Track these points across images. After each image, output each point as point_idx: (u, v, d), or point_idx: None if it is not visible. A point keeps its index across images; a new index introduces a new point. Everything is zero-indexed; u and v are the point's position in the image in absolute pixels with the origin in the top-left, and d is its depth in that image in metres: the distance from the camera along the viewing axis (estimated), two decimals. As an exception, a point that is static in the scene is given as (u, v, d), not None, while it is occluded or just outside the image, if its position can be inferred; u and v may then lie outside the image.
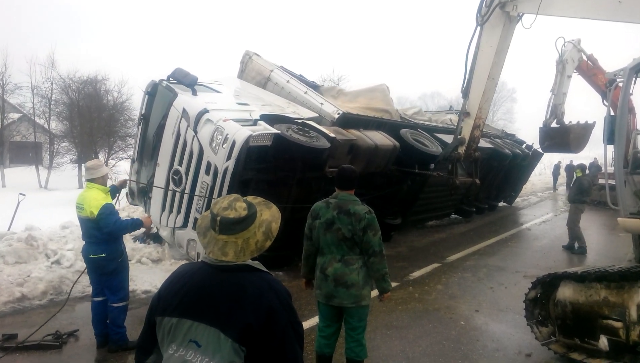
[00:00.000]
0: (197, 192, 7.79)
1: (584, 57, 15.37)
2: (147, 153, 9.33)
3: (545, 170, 38.92)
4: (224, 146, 7.39)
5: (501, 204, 18.93)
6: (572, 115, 14.91)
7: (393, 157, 10.25)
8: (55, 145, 26.03)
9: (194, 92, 8.54)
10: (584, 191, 11.23)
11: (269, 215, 2.04)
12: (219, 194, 7.47)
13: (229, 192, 7.40)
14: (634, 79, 5.31)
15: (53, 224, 10.08)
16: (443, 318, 6.52)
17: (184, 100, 8.25)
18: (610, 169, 6.22)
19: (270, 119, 8.31)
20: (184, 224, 8.18)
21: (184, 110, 8.04)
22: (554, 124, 13.78)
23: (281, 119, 8.57)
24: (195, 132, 7.83)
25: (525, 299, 5.56)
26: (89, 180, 5.46)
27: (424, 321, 6.38)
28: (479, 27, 9.53)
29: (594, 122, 14.00)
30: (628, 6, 6.66)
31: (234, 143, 7.25)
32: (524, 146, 18.64)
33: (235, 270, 1.92)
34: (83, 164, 27.15)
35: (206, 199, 7.67)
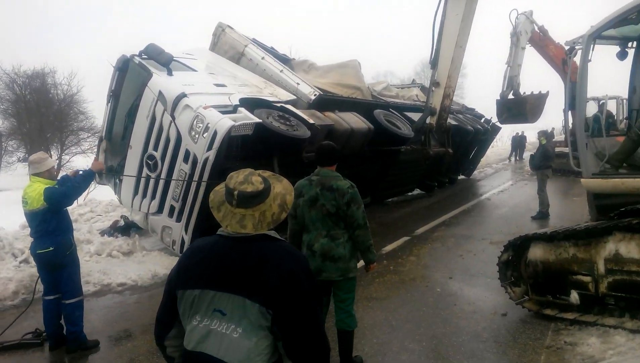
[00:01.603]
0: (175, 182, 7.69)
1: (536, 29, 15.90)
2: (118, 132, 9.09)
3: (497, 143, 40.12)
4: (204, 135, 7.25)
5: (460, 177, 19.46)
6: (526, 86, 15.46)
7: (367, 139, 10.40)
8: (2, 143, 24.86)
9: (170, 72, 8.30)
10: (549, 157, 11.63)
11: (282, 188, 2.09)
12: (198, 184, 7.40)
13: (209, 181, 7.35)
14: (592, 45, 5.54)
15: (11, 225, 9.72)
16: (419, 287, 6.73)
17: (160, 81, 8.00)
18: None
19: (250, 103, 8.23)
20: (159, 211, 8.08)
21: (160, 93, 7.81)
22: (510, 96, 14.26)
23: (261, 104, 8.51)
24: (173, 117, 7.64)
25: (498, 262, 5.78)
26: (34, 174, 5.16)
27: (401, 291, 6.58)
28: None
29: (548, 92, 14.58)
30: None
31: (215, 133, 7.13)
32: (482, 120, 19.15)
33: (254, 240, 1.97)
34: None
35: (184, 187, 7.57)
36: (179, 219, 7.85)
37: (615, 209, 5.16)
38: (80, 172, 5.53)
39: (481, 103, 20.66)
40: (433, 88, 10.46)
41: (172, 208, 7.93)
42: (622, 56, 6.27)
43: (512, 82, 14.25)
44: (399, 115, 12.03)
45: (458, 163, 18.14)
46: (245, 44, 10.96)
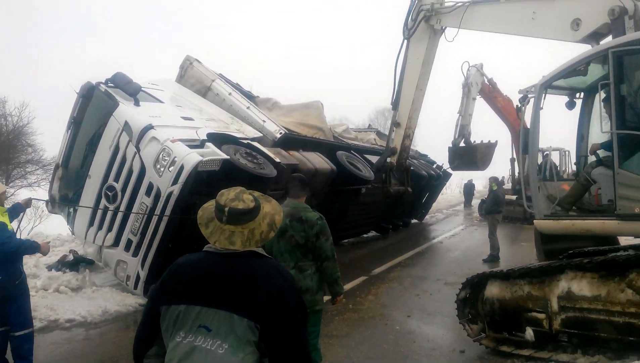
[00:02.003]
0: (135, 216, 7.49)
1: (486, 81, 16.79)
2: (76, 160, 8.81)
3: (447, 190, 41.35)
4: (170, 169, 7.14)
5: (413, 221, 19.85)
6: (476, 135, 16.16)
7: (330, 180, 10.52)
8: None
9: (137, 103, 8.16)
10: (499, 202, 12.07)
11: (271, 208, 2.12)
12: (159, 219, 7.25)
13: (171, 217, 7.23)
14: (544, 94, 5.93)
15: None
16: (379, 325, 6.75)
17: (126, 111, 7.84)
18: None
19: (217, 138, 8.19)
20: (115, 244, 7.83)
21: (126, 123, 7.66)
22: (462, 144, 14.86)
23: (228, 140, 8.48)
24: (138, 149, 7.49)
25: (456, 299, 5.90)
26: None
27: (361, 328, 6.58)
28: (405, 41, 10.15)
29: (496, 141, 15.30)
30: (539, 23, 7.43)
31: (182, 168, 7.03)
32: (434, 166, 19.75)
33: (243, 257, 1.98)
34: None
35: (144, 221, 7.37)
36: (135, 254, 7.62)
37: (561, 254, 5.42)
38: (29, 238, 5.31)
39: (432, 150, 21.33)
40: (394, 128, 10.81)
41: (129, 242, 7.69)
42: (570, 105, 6.72)
43: (463, 130, 14.88)
44: (359, 157, 12.31)
45: (411, 206, 18.55)
46: (212, 78, 10.97)
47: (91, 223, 8.18)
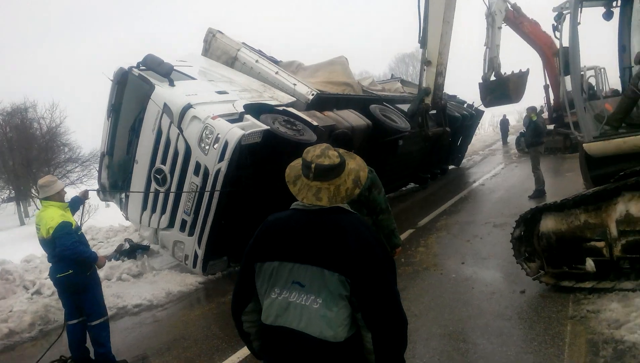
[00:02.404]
0: (186, 196, 7.62)
1: (509, 7, 16.10)
2: (120, 147, 8.96)
3: (479, 130, 40.54)
4: (214, 146, 7.18)
5: (450, 167, 19.61)
6: (505, 67, 15.63)
7: (367, 135, 10.45)
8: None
9: (171, 83, 8.17)
10: (540, 133, 11.72)
11: (355, 164, 2.15)
12: (211, 196, 7.35)
13: (221, 193, 7.32)
14: (579, 8, 5.63)
15: (16, 261, 9.63)
16: (434, 275, 6.79)
17: (164, 93, 7.87)
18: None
19: (254, 109, 8.20)
20: (170, 225, 8.01)
21: (165, 105, 7.70)
22: (492, 77, 14.41)
23: (264, 109, 8.48)
24: (180, 130, 7.56)
25: (511, 239, 5.84)
26: (44, 198, 5.18)
27: (418, 281, 6.63)
28: None
29: (528, 70, 14.77)
30: None
31: (226, 144, 7.06)
32: (465, 105, 19.32)
33: (330, 213, 2.02)
34: (25, 200, 25.75)
35: (196, 200, 7.49)
36: (191, 233, 7.79)
37: (610, 178, 5.23)
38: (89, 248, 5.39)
39: (461, 90, 20.69)
40: (425, 67, 10.56)
41: (183, 222, 7.86)
42: (608, 16, 6.40)
43: (492, 63, 14.41)
44: (392, 108, 12.13)
45: (447, 152, 18.28)
46: (237, 48, 10.92)
47: (144, 207, 8.36)
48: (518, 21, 17.73)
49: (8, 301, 7.09)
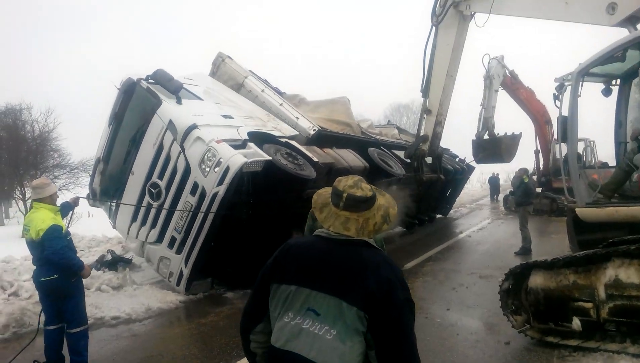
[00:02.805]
0: (178, 211, 7.61)
1: (507, 73, 16.64)
2: (117, 155, 8.95)
3: (468, 185, 41.03)
4: (215, 169, 7.22)
5: (437, 216, 19.75)
6: (498, 127, 16.01)
7: (363, 177, 10.56)
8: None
9: (179, 101, 8.21)
10: (530, 193, 11.95)
11: (385, 201, 2.10)
12: (205, 217, 7.34)
13: (215, 216, 7.30)
14: (581, 82, 5.88)
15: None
16: (419, 318, 6.66)
17: (170, 110, 7.91)
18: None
19: (257, 137, 8.27)
20: (158, 240, 7.97)
21: (170, 122, 7.74)
22: (485, 136, 14.75)
23: (267, 138, 8.57)
24: (183, 148, 7.59)
25: (499, 290, 5.89)
26: (36, 200, 5.18)
27: (402, 322, 6.58)
28: (434, 28, 10.12)
29: (520, 133, 15.14)
30: (573, 7, 7.28)
31: (227, 169, 7.11)
32: (457, 159, 19.64)
33: (355, 245, 1.98)
34: (8, 201, 25.31)
35: (188, 219, 7.45)
36: (179, 252, 7.74)
37: (595, 244, 5.36)
38: (80, 260, 5.29)
39: (454, 144, 21.09)
40: (425, 116, 10.78)
41: (172, 239, 7.82)
42: (607, 92, 6.68)
43: (487, 123, 14.78)
44: (389, 153, 12.33)
45: (436, 201, 18.47)
46: (245, 75, 11.08)
47: (134, 219, 8.32)
48: (514, 87, 18.35)
49: (-16, 300, 6.92)
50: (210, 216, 7.31)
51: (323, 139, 10.21)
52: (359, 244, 1.99)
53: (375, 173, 10.94)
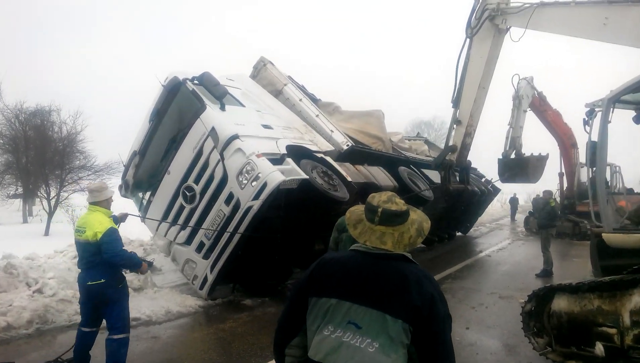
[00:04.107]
0: (210, 218, 7.63)
1: (536, 94, 16.53)
2: (155, 152, 8.94)
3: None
4: (253, 184, 7.23)
5: (457, 233, 19.61)
6: (524, 147, 15.85)
7: None
8: (-1, 178, 24.51)
9: (222, 107, 8.16)
10: (554, 217, 11.81)
11: (417, 216, 2.14)
12: (236, 228, 7.37)
13: (247, 229, 7.31)
14: (611, 108, 5.86)
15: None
16: (438, 336, 6.71)
17: (214, 117, 7.86)
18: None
19: (295, 150, 8.32)
20: (187, 242, 8.00)
21: (212, 129, 7.71)
22: (512, 155, 14.61)
23: (305, 154, 8.61)
24: (222, 156, 7.59)
25: (521, 312, 5.84)
26: (93, 203, 5.15)
27: (421, 339, 6.56)
28: (468, 39, 10.16)
29: (547, 154, 14.99)
30: (613, 29, 7.20)
31: (265, 185, 7.13)
32: (483, 179, 19.39)
33: (393, 259, 2.02)
34: (32, 199, 25.82)
35: (220, 226, 7.47)
36: (206, 257, 7.76)
37: (620, 270, 5.29)
38: (133, 253, 5.37)
39: (480, 163, 20.94)
40: (454, 126, 10.80)
41: (201, 244, 7.84)
42: (638, 120, 6.62)
43: (514, 142, 14.64)
44: (419, 174, 12.37)
45: (457, 219, 18.34)
46: (284, 83, 11.04)
47: (165, 217, 8.29)
48: (542, 108, 18.22)
49: (9, 295, 7.07)
50: (243, 228, 7.35)
51: (355, 154, 10.20)
52: (398, 258, 2.02)
53: (404, 193, 10.81)
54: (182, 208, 8.06)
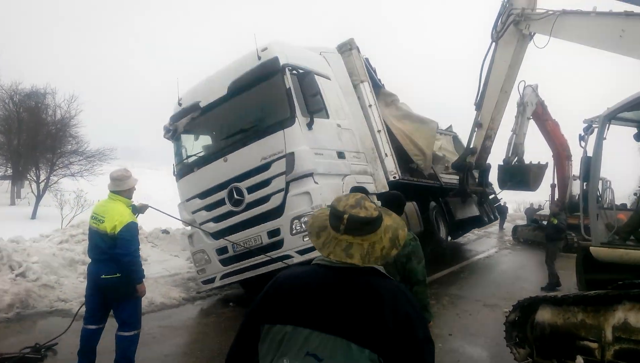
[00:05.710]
0: (245, 235, 7.20)
1: (539, 102, 16.57)
2: (218, 118, 8.06)
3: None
4: (304, 239, 6.66)
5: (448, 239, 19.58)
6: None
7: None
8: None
9: (310, 126, 7.13)
10: (562, 230, 11.64)
11: (392, 221, 1.79)
12: (265, 263, 7.02)
13: (272, 268, 6.86)
14: (607, 125, 5.90)
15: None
16: (420, 341, 6.71)
17: (298, 140, 6.98)
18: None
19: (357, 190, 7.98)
20: (214, 236, 7.50)
21: (292, 154, 6.92)
22: (514, 162, 14.60)
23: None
24: (287, 187, 6.97)
25: (505, 321, 5.86)
26: (114, 192, 4.87)
27: (403, 343, 6.55)
28: (493, 43, 10.25)
29: (547, 163, 15.09)
30: (628, 41, 7.24)
31: (311, 249, 6.43)
32: (495, 205, 19.04)
33: (362, 274, 1.69)
34: (21, 181, 25.59)
35: (246, 248, 7.09)
36: (224, 264, 7.49)
37: (604, 284, 5.32)
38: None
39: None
40: (476, 129, 10.88)
41: (224, 249, 7.50)
42: (638, 137, 6.68)
43: (517, 149, 14.60)
44: (445, 210, 12.37)
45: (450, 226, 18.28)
46: (362, 79, 9.81)
47: (201, 197, 7.77)
48: (544, 118, 18.25)
49: (-10, 277, 7.01)
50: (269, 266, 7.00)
51: (397, 187, 9.46)
52: (367, 273, 1.70)
53: (424, 234, 10.60)
54: (222, 202, 7.46)
